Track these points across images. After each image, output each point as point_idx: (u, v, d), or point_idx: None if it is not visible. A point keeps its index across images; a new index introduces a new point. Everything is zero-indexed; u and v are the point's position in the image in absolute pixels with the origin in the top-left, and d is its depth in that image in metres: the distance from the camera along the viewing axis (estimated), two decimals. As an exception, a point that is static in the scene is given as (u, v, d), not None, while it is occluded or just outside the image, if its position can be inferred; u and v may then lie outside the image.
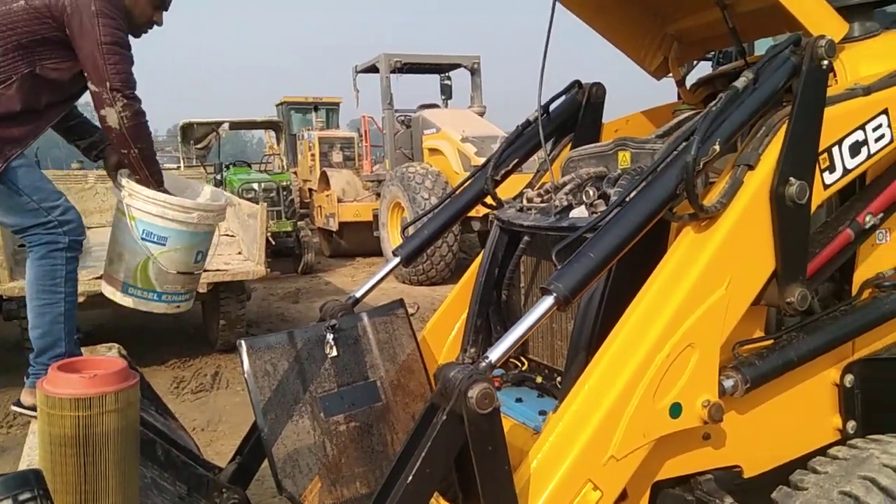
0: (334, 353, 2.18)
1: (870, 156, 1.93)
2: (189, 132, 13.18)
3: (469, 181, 2.55)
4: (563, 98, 2.62)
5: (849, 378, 2.01)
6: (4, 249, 5.26)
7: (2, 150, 2.42)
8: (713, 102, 1.80)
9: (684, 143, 1.76)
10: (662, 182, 1.70)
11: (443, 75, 12.05)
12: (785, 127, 1.81)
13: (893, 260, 2.08)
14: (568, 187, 2.16)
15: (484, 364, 1.50)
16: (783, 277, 1.81)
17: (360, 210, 11.78)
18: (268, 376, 2.10)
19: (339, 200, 11.93)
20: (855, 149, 1.91)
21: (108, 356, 1.19)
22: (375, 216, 11.09)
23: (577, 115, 2.63)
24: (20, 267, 5.70)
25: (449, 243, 9.19)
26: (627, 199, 1.71)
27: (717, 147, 1.73)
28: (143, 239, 2.37)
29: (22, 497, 0.91)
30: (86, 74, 2.44)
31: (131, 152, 2.39)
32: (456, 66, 11.63)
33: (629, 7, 2.58)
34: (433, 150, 10.15)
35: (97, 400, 1.10)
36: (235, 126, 13.88)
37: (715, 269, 1.74)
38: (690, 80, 2.83)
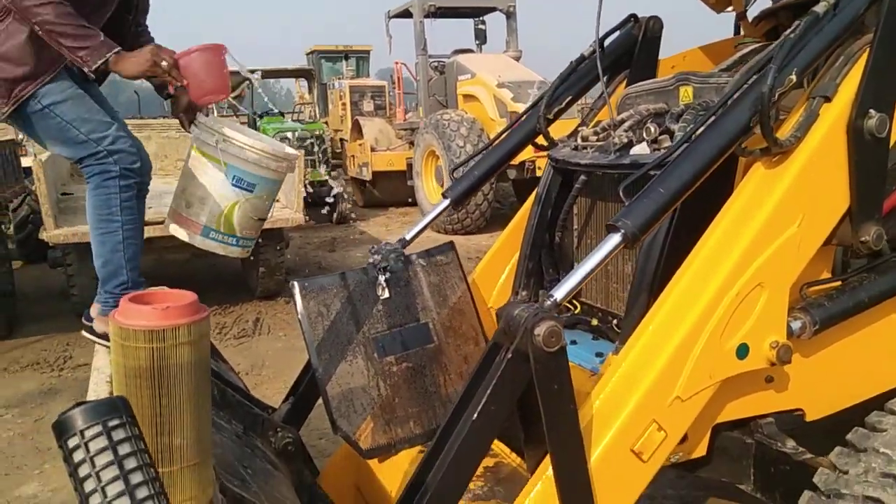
0: (386, 294, 2.17)
1: None
2: (221, 81, 13.08)
3: (520, 120, 2.47)
4: (618, 32, 2.51)
5: None
6: (49, 197, 5.32)
7: (9, 91, 2.29)
8: (789, 30, 1.70)
9: (756, 75, 1.67)
10: (735, 115, 1.62)
11: (477, 19, 11.77)
12: (865, 56, 1.70)
13: None
14: (628, 124, 2.07)
15: (549, 302, 1.46)
16: (858, 215, 1.73)
17: (393, 159, 11.70)
18: (321, 317, 2.09)
19: (372, 149, 11.86)
20: None
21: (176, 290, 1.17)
22: (409, 165, 11.01)
23: (632, 50, 2.52)
24: (64, 215, 5.79)
25: (484, 192, 9.11)
26: (696, 133, 1.63)
27: (793, 77, 1.63)
28: (234, 185, 2.30)
29: (111, 423, 0.91)
30: None
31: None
32: (491, 9, 11.34)
33: (690, -66, 2.44)
34: (468, 97, 9.98)
35: (171, 332, 1.09)
36: (268, 74, 13.79)
37: (787, 206, 1.66)
38: (752, 14, 2.69)
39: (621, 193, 1.57)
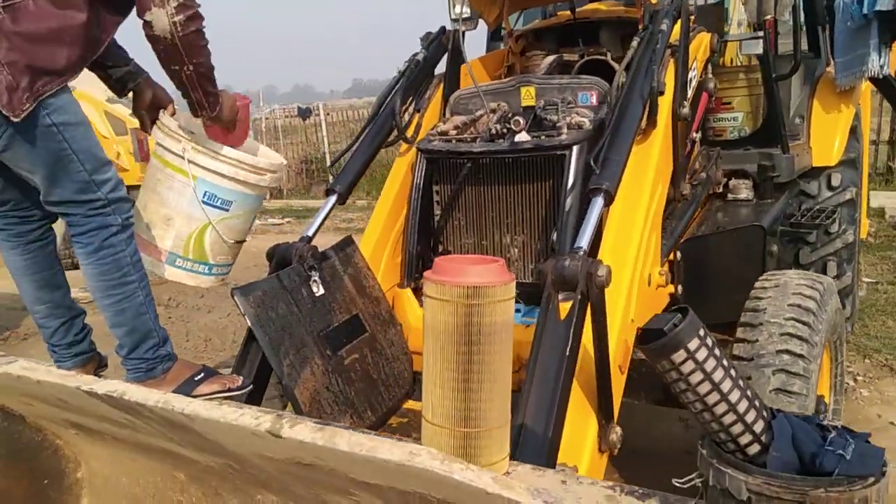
0: (322, 290, 2.15)
1: None
2: None
3: (376, 116, 2.66)
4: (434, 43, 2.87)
5: None
6: None
7: (33, 83, 1.76)
8: (638, 43, 2.31)
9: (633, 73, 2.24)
10: (634, 102, 2.16)
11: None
12: (672, 63, 2.42)
13: None
14: (496, 117, 2.46)
15: (581, 252, 1.78)
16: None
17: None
18: (271, 322, 1.99)
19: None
20: None
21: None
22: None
23: (440, 59, 2.91)
24: None
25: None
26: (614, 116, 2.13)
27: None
28: (204, 203, 2.02)
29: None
30: None
31: (184, 69, 1.84)
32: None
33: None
34: (66, 115, 8.80)
35: (499, 289, 1.08)
36: None
37: (660, 171, 2.28)
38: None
39: (592, 163, 1.98)
